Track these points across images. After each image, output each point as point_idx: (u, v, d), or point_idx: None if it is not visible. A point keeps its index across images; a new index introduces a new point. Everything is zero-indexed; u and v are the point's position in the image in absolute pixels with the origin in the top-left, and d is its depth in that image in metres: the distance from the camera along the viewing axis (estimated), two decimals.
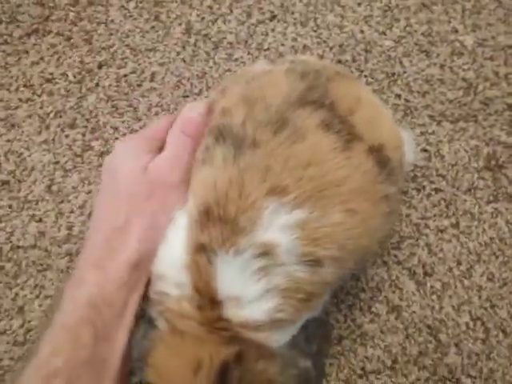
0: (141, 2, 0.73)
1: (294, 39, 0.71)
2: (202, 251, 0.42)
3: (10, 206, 0.64)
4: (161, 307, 0.45)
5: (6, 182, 0.65)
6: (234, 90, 0.51)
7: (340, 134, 0.45)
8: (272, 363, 0.43)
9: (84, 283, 0.43)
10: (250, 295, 0.42)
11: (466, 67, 0.70)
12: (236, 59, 0.70)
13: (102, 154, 0.66)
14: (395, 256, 0.62)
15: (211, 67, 0.70)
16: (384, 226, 0.49)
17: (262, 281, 0.41)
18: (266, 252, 0.41)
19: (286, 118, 0.44)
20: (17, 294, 0.61)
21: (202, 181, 0.44)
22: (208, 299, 0.42)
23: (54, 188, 0.65)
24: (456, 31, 0.72)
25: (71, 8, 0.73)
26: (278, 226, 0.41)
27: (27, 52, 0.71)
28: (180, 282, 0.43)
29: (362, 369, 0.58)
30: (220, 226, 0.41)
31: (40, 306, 0.60)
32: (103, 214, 0.47)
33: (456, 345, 0.59)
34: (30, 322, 0.59)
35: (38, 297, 0.60)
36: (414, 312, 0.60)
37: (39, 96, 0.69)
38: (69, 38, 0.71)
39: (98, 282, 0.42)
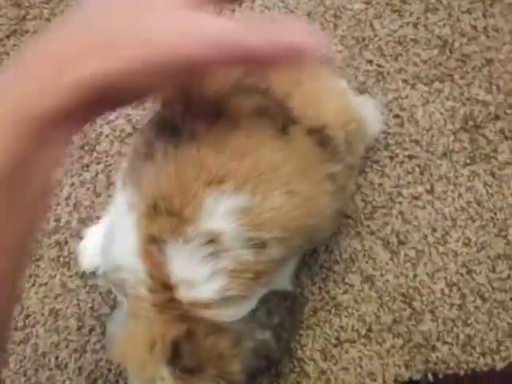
0: None
1: (262, 11, 0.70)
2: (153, 242, 0.44)
3: None
4: (124, 292, 0.48)
5: None
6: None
7: (276, 118, 0.45)
8: (222, 338, 0.46)
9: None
10: (200, 277, 0.44)
11: (441, 24, 0.67)
12: None
13: (82, 147, 0.69)
14: (368, 226, 0.62)
15: None
16: (332, 203, 0.49)
17: (210, 264, 0.43)
18: (212, 239, 0.43)
19: (220, 108, 0.45)
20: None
21: (147, 178, 0.45)
22: (161, 283, 0.45)
23: None
24: None
25: (45, 5, 0.75)
26: (220, 215, 0.43)
27: (8, 53, 0.74)
28: (135, 269, 0.46)
29: (337, 338, 0.60)
30: (168, 218, 0.43)
31: (36, 293, 0.65)
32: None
33: (431, 312, 0.59)
34: (28, 308, 0.65)
35: (33, 285, 0.65)
36: (388, 281, 0.61)
37: None
38: None
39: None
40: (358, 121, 0.53)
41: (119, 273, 0.48)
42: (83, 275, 0.63)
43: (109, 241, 0.50)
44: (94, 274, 0.63)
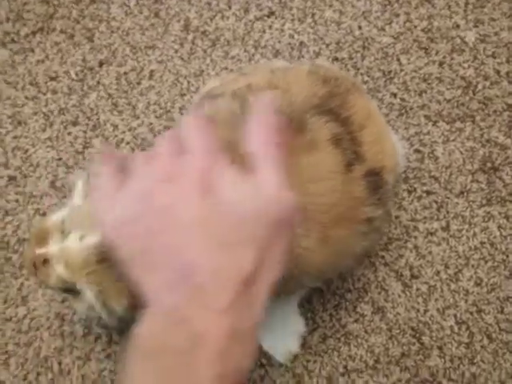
0: None
1: (291, 36, 0.71)
2: None
3: (17, 201, 0.68)
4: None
5: (13, 178, 0.69)
6: (259, 74, 0.51)
7: (346, 152, 0.45)
8: None
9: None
10: None
11: (465, 65, 0.68)
12: (233, 57, 0.71)
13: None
14: (382, 257, 0.63)
15: (208, 65, 0.71)
16: (363, 242, 0.48)
17: None
18: None
19: (305, 121, 0.45)
20: (22, 284, 0.65)
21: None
22: None
23: (58, 184, 0.68)
24: (457, 26, 0.70)
25: (74, 6, 0.74)
26: None
27: (33, 50, 0.73)
28: None
29: (345, 367, 0.60)
30: None
31: (43, 295, 0.64)
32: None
33: (439, 348, 0.60)
34: (33, 310, 0.63)
35: (41, 286, 0.64)
36: (399, 314, 0.61)
37: (44, 94, 0.71)
38: (72, 36, 0.73)
39: None
40: (399, 163, 0.53)
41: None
42: None
43: None
44: None
